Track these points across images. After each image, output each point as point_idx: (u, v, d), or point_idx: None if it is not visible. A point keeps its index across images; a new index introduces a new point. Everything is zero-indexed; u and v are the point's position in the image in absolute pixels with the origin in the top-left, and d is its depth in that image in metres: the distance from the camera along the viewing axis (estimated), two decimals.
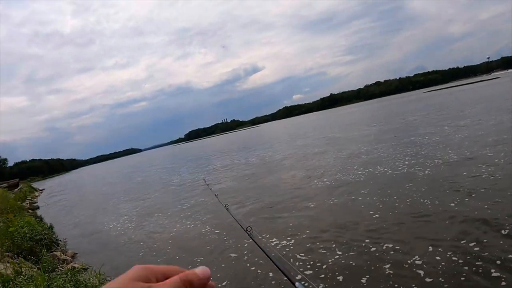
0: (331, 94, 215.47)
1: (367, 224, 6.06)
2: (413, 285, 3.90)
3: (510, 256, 4.05)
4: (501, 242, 4.42)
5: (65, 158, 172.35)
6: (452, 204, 6.06)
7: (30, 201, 26.22)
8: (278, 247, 5.84)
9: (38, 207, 22.01)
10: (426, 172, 8.69)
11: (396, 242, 5.08)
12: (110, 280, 3.78)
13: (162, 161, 48.25)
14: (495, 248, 4.32)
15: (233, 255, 6.05)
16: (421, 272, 4.09)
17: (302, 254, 5.36)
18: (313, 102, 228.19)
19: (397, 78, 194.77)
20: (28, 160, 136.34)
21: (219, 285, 4.80)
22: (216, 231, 7.66)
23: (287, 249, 5.72)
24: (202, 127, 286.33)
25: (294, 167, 14.36)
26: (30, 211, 19.00)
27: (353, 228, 6.05)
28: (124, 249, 8.26)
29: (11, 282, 3.96)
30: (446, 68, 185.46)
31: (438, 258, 4.33)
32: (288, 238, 6.24)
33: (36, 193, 36.94)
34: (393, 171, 9.68)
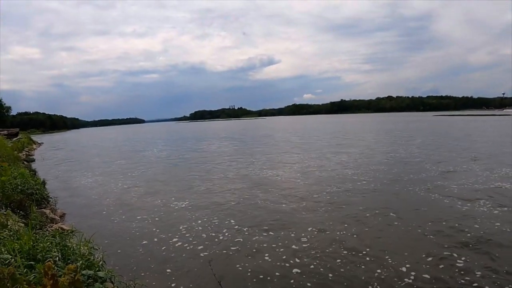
0: (341, 100, 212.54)
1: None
2: None
3: None
4: None
5: (68, 116, 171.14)
6: (303, 213, 7.89)
7: (27, 153, 26.13)
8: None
9: (34, 160, 21.94)
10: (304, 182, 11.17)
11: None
12: (98, 250, 3.42)
13: (157, 136, 50.88)
14: None
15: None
16: None
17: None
18: (322, 104, 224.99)
19: (410, 97, 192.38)
20: (31, 112, 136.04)
21: None
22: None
23: None
24: (208, 109, 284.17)
25: (235, 160, 17.59)
26: (25, 162, 18.89)
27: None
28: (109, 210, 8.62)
29: None
30: (460, 96, 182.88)
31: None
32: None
33: (34, 146, 36.87)
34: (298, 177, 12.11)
